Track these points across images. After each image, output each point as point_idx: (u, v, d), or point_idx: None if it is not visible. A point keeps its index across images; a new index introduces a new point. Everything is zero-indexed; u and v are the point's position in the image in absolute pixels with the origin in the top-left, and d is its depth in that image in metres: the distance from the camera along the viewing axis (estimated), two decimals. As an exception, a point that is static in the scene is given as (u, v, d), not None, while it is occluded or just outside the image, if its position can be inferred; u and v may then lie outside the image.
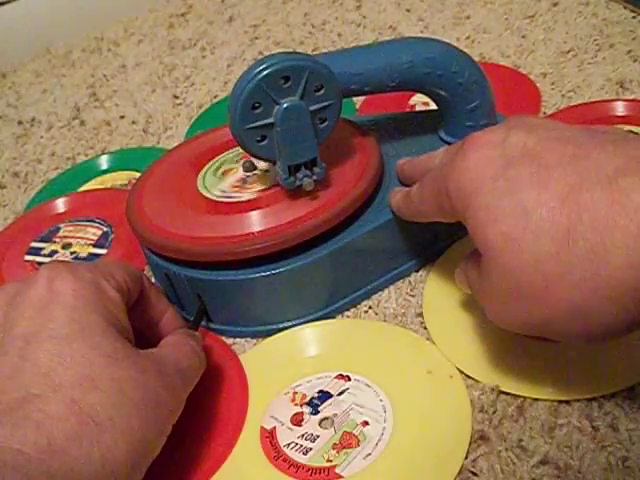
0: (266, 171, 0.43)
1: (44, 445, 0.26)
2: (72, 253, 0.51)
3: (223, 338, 0.42)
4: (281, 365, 0.40)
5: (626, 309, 0.26)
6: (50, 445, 0.26)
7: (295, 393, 0.37)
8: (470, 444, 0.33)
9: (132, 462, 0.28)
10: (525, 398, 0.35)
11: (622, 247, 0.25)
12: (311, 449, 0.34)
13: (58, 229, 0.54)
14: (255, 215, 0.40)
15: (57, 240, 0.53)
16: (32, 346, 0.29)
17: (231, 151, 0.46)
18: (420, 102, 0.59)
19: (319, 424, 0.35)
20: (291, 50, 0.75)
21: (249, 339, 0.42)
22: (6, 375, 0.28)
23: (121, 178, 0.61)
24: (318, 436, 0.35)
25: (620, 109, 0.53)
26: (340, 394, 0.37)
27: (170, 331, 0.37)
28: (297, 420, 0.36)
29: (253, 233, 0.39)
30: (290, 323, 0.41)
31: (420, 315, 0.41)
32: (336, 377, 0.38)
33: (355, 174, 0.42)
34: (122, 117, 0.71)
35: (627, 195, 0.25)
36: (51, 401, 0.27)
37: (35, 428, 0.26)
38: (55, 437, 0.26)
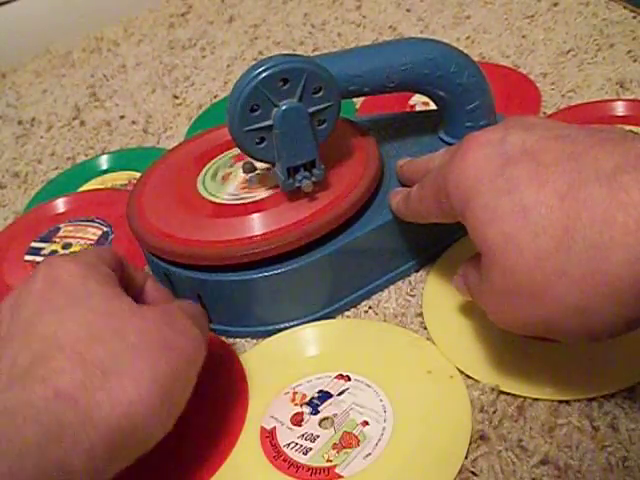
0: (266, 172, 0.43)
1: (51, 395, 0.27)
2: (72, 253, 0.51)
3: (223, 338, 0.42)
4: (281, 365, 0.40)
5: (626, 306, 0.26)
6: (57, 395, 0.27)
7: (295, 393, 0.37)
8: (470, 444, 0.33)
9: (146, 404, 0.28)
10: (525, 398, 0.35)
11: (621, 244, 0.25)
12: (311, 449, 0.34)
13: (58, 229, 0.54)
14: (255, 218, 0.40)
15: (57, 240, 0.53)
16: (35, 323, 0.30)
17: (225, 154, 0.46)
18: (420, 102, 0.59)
19: (319, 424, 0.35)
20: (291, 50, 0.75)
21: (249, 339, 0.42)
22: (15, 353, 0.29)
23: (121, 178, 0.61)
24: (318, 436, 0.35)
25: (620, 109, 0.53)
26: (340, 394, 0.37)
27: (156, 298, 0.37)
28: (297, 420, 0.36)
29: (253, 237, 0.39)
30: (290, 323, 0.41)
31: (420, 315, 0.41)
32: (336, 377, 0.38)
33: (355, 175, 0.42)
34: (122, 117, 0.71)
35: (626, 192, 0.25)
36: (56, 359, 0.28)
37: (41, 383, 0.27)
38: (61, 388, 0.27)
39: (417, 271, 0.44)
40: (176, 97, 0.72)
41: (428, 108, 0.57)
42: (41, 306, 0.31)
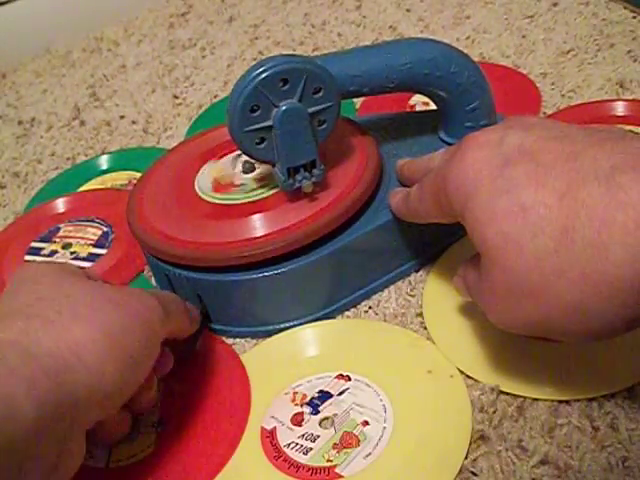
0: (266, 173, 0.43)
1: None
2: (72, 253, 0.51)
3: (223, 338, 0.42)
4: (281, 365, 0.40)
5: (625, 305, 0.26)
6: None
7: (295, 393, 0.37)
8: (470, 444, 0.33)
9: (94, 345, 0.29)
10: (525, 398, 0.35)
11: (620, 243, 0.25)
12: (311, 449, 0.34)
13: (58, 229, 0.54)
14: (255, 219, 0.40)
15: (57, 240, 0.53)
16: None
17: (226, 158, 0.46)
18: (420, 102, 0.59)
19: (319, 424, 0.35)
20: (291, 50, 0.75)
21: (249, 339, 0.42)
22: None
23: (121, 178, 0.61)
24: (318, 436, 0.35)
25: (620, 109, 0.53)
26: (340, 394, 0.37)
27: None
28: (297, 420, 0.36)
29: (254, 238, 0.39)
30: (290, 323, 0.41)
31: (420, 315, 0.41)
32: (336, 377, 0.38)
33: (355, 175, 0.42)
34: (122, 117, 0.71)
35: (625, 192, 0.25)
36: (2, 323, 0.30)
37: None
38: (1, 339, 0.28)
39: (417, 271, 0.44)
40: (176, 97, 0.72)
41: (428, 108, 0.57)
42: (3, 297, 0.33)
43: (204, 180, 0.44)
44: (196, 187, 0.44)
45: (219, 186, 0.43)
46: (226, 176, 0.44)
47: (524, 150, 0.30)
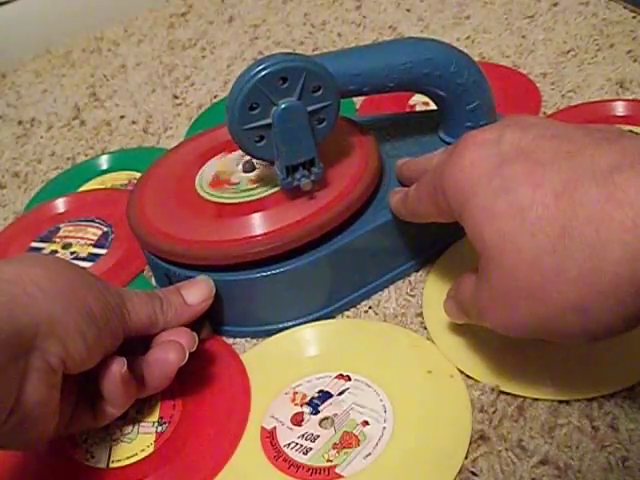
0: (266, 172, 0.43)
1: None
2: (72, 253, 0.51)
3: (223, 338, 0.42)
4: (281, 365, 0.40)
5: (624, 304, 0.26)
6: None
7: (295, 393, 0.37)
8: (470, 444, 0.33)
9: (53, 285, 0.32)
10: (525, 398, 0.35)
11: (618, 242, 0.25)
12: (311, 449, 0.34)
13: (58, 229, 0.54)
14: (255, 218, 0.40)
15: (57, 240, 0.53)
16: None
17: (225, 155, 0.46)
18: (420, 102, 0.59)
19: (319, 424, 0.35)
20: (291, 50, 0.75)
21: (249, 339, 0.42)
22: None
23: (121, 178, 0.61)
24: (318, 436, 0.35)
25: (620, 109, 0.53)
26: (340, 394, 0.37)
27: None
28: (297, 420, 0.36)
29: (253, 237, 0.39)
30: (290, 323, 0.41)
31: (420, 315, 0.41)
32: (336, 377, 0.38)
33: (354, 175, 0.42)
34: (122, 117, 0.71)
35: (623, 190, 0.25)
36: None
37: None
38: None
39: (417, 271, 0.44)
40: (176, 97, 0.72)
41: (428, 108, 0.57)
42: None
43: (207, 172, 0.44)
44: (196, 184, 0.44)
45: (217, 181, 0.43)
46: (227, 172, 0.44)
47: (521, 149, 0.30)
